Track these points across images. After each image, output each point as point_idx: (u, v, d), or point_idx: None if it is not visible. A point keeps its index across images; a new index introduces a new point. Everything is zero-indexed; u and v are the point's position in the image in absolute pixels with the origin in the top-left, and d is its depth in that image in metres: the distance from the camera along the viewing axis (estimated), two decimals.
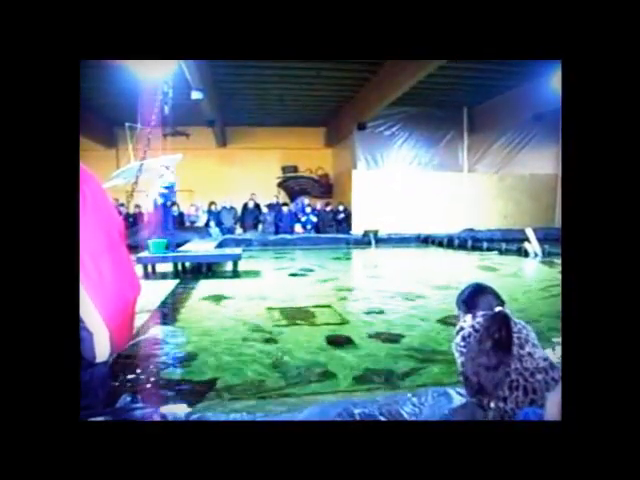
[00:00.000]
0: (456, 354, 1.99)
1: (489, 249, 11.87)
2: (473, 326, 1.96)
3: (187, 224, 13.87)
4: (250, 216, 14.67)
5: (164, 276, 7.97)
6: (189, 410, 2.22)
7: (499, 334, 1.85)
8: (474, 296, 2.12)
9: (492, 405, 1.84)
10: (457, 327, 2.07)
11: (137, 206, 13.23)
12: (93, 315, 1.98)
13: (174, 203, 8.47)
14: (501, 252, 11.28)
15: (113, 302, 2.13)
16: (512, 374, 1.82)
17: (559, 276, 7.01)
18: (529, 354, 1.87)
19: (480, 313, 1.99)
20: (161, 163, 7.96)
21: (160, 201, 8.03)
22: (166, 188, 8.01)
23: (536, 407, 1.68)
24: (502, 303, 2.07)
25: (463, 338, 1.96)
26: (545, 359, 1.90)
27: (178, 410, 2.18)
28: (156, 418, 1.91)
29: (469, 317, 2.02)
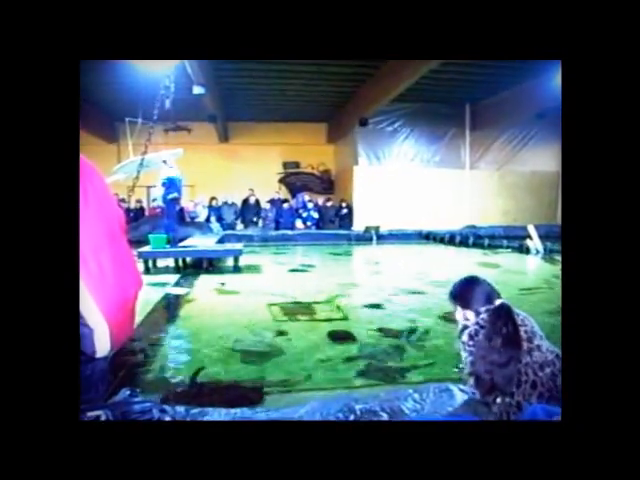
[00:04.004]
0: (464, 354, 1.94)
1: (490, 245, 11.88)
2: (478, 323, 1.92)
3: (187, 219, 13.88)
4: (251, 212, 14.68)
5: (165, 271, 7.99)
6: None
7: (506, 328, 1.82)
8: (466, 289, 2.07)
9: (498, 400, 1.83)
10: (460, 325, 2.03)
11: (138, 201, 13.25)
12: (93, 310, 1.98)
13: (177, 198, 8.48)
14: (512, 249, 11.25)
15: (113, 297, 2.13)
16: (521, 368, 1.80)
17: (560, 273, 7.02)
18: (538, 347, 1.84)
19: (483, 309, 1.95)
20: (161, 158, 7.96)
21: (160, 193, 8.08)
22: (163, 184, 8.02)
23: (544, 403, 1.68)
24: (499, 295, 2.03)
25: (470, 337, 1.91)
26: (552, 351, 1.87)
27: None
28: (155, 413, 1.92)
29: (471, 314, 1.98)
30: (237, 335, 4.18)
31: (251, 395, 2.86)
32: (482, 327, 1.90)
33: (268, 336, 4.16)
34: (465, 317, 2.02)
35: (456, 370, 3.26)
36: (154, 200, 8.18)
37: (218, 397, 2.80)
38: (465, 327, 1.99)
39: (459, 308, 2.07)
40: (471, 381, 1.93)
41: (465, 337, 1.94)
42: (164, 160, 8.09)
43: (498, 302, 1.96)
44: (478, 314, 1.96)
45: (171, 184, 8.06)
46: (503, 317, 1.87)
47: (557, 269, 8.18)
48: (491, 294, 2.02)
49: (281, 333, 4.26)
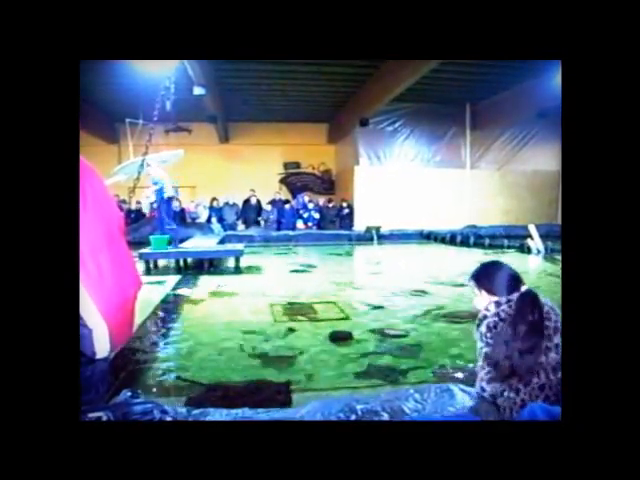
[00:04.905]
0: (480, 344, 1.91)
1: (491, 245, 11.88)
2: (498, 314, 1.88)
3: (188, 220, 13.88)
4: (252, 212, 14.68)
5: (166, 272, 7.99)
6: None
7: (532, 316, 1.80)
8: (491, 272, 2.02)
9: (505, 394, 1.81)
10: (480, 314, 1.99)
11: (139, 202, 13.24)
12: (92, 311, 1.99)
13: (172, 198, 8.48)
14: (514, 249, 11.23)
15: (112, 298, 2.13)
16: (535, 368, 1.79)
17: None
18: (556, 346, 1.80)
19: (504, 299, 1.91)
20: (147, 161, 7.95)
21: (153, 199, 8.08)
22: (155, 184, 8.02)
23: (544, 403, 1.67)
24: (523, 281, 1.99)
25: (489, 329, 1.88)
26: None
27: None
28: (156, 413, 1.92)
29: (492, 305, 1.94)
30: (239, 336, 4.18)
31: (278, 397, 2.83)
32: (502, 320, 1.86)
33: (271, 337, 4.16)
34: (486, 307, 1.98)
35: (431, 375, 3.25)
36: (151, 201, 8.17)
37: (246, 399, 2.73)
38: (484, 317, 1.96)
39: (483, 293, 2.02)
40: (482, 374, 1.91)
41: (483, 328, 1.91)
42: (148, 164, 8.08)
43: (524, 288, 1.94)
44: (499, 305, 1.92)
45: (161, 184, 8.08)
46: (529, 304, 1.84)
47: (558, 269, 8.18)
48: (516, 279, 1.98)
49: (282, 334, 4.26)
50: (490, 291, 1.99)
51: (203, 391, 2.95)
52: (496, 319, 1.89)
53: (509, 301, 1.90)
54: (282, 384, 3.03)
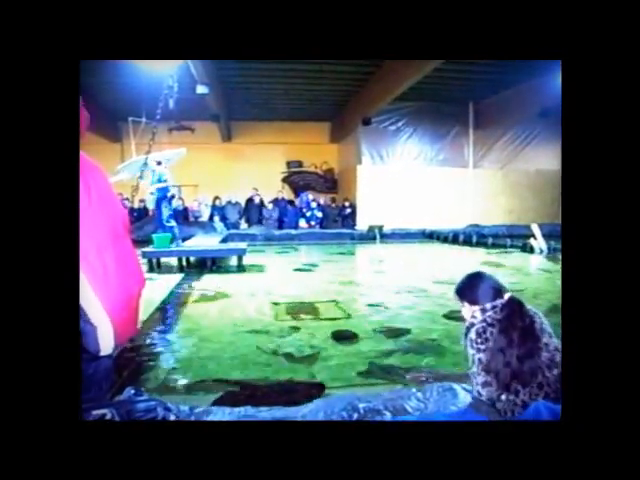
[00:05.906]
0: (471, 351, 1.91)
1: (494, 245, 11.85)
2: (485, 320, 1.90)
3: (191, 219, 13.91)
4: (255, 211, 14.70)
5: (169, 270, 8.01)
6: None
7: (522, 322, 1.82)
8: (472, 285, 2.04)
9: (503, 397, 1.82)
10: (467, 323, 2.01)
11: (142, 200, 13.26)
12: (96, 308, 2.00)
13: (173, 196, 8.52)
14: (517, 249, 11.21)
15: (117, 295, 2.15)
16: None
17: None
18: (546, 345, 1.82)
19: (489, 305, 1.93)
20: (154, 159, 7.97)
21: (157, 195, 8.12)
22: (159, 182, 8.05)
23: (548, 401, 1.67)
24: (506, 289, 2.01)
25: (479, 334, 1.89)
26: (560, 350, 1.83)
27: None
28: (160, 411, 1.93)
29: (478, 312, 1.96)
30: (240, 335, 4.20)
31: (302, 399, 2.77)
32: (490, 325, 1.88)
33: (273, 336, 4.17)
34: (472, 314, 2.01)
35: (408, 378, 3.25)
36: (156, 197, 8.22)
37: (275, 397, 2.71)
38: (472, 325, 1.97)
39: (466, 304, 2.04)
40: (479, 379, 1.92)
41: (473, 335, 1.91)
42: (158, 162, 8.11)
43: (507, 296, 1.96)
44: (484, 312, 1.94)
45: (164, 182, 8.12)
46: (518, 310, 1.86)
47: (560, 268, 8.16)
48: (498, 289, 2.00)
49: (285, 332, 4.27)
50: (473, 302, 2.01)
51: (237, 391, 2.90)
52: (484, 324, 1.90)
53: (494, 307, 1.92)
54: (316, 384, 3.01)
